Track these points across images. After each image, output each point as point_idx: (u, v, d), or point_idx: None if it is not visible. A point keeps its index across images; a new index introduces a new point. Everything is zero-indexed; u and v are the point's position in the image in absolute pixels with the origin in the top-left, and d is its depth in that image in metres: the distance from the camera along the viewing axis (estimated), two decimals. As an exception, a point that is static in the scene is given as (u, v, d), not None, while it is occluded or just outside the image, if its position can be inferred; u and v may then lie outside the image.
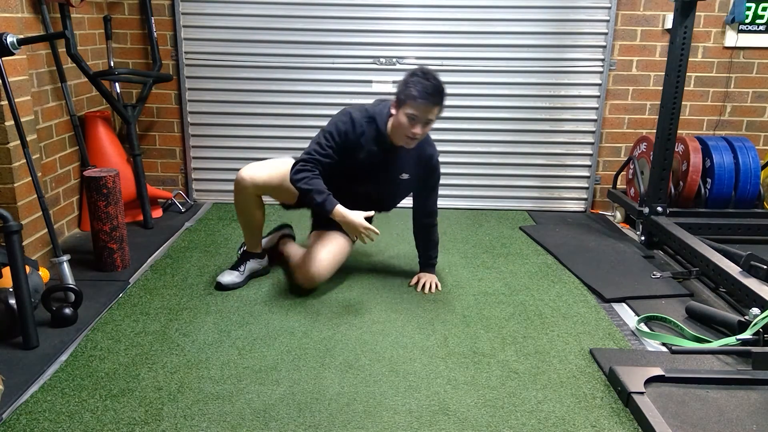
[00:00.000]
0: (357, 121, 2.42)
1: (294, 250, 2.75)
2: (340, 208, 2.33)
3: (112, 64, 3.56)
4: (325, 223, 2.61)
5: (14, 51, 2.29)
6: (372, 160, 2.45)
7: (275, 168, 2.53)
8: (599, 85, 3.65)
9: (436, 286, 2.67)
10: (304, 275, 2.53)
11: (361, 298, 2.55)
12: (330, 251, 2.56)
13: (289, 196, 2.57)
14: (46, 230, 2.68)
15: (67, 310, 2.25)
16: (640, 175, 3.43)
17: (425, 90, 2.25)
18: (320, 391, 1.89)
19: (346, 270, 2.83)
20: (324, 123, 2.49)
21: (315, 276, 2.51)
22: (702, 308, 2.38)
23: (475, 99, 3.69)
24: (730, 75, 3.66)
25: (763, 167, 3.45)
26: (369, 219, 2.49)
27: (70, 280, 2.44)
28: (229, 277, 2.60)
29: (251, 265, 2.68)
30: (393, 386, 1.93)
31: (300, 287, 2.62)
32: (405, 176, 2.53)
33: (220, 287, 2.58)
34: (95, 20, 3.44)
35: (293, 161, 2.43)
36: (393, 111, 2.37)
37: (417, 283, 2.68)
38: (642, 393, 1.82)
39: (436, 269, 2.80)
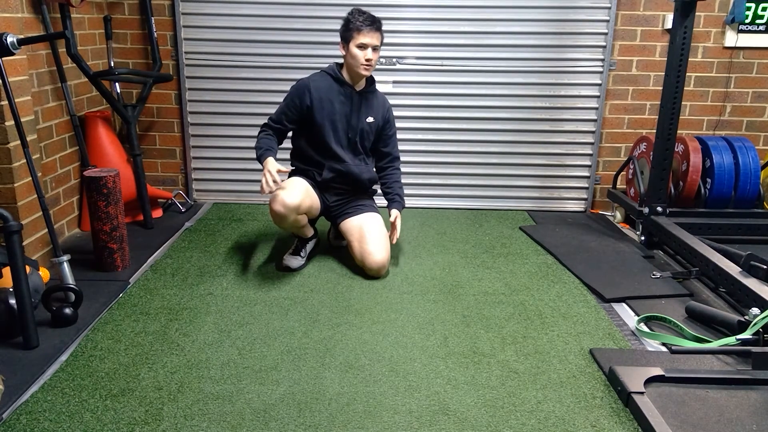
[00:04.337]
0: (307, 80, 2.76)
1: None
2: (268, 159, 2.66)
3: (112, 64, 3.56)
4: (344, 212, 2.91)
5: (14, 51, 2.29)
6: (344, 109, 2.77)
7: (298, 187, 2.71)
8: (599, 85, 3.65)
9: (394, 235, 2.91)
10: (369, 271, 2.76)
11: (361, 298, 2.55)
12: (375, 238, 2.77)
13: (315, 208, 2.84)
14: (46, 230, 2.69)
15: (67, 310, 2.25)
16: (640, 175, 3.43)
17: (365, 20, 2.64)
18: (320, 391, 1.89)
19: (346, 270, 2.84)
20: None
21: (380, 267, 2.74)
22: (702, 308, 2.38)
23: (475, 99, 3.69)
24: (730, 75, 3.66)
25: (762, 167, 3.45)
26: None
27: (70, 280, 2.44)
28: (296, 262, 2.85)
29: (309, 247, 2.95)
30: (393, 386, 1.93)
31: (301, 286, 2.64)
32: (371, 119, 2.85)
33: (289, 270, 2.82)
34: (95, 20, 3.45)
35: (303, 179, 2.78)
36: (343, 51, 2.72)
37: (396, 227, 2.90)
38: (642, 393, 1.82)
39: (435, 268, 2.81)
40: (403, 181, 3.05)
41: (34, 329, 2.09)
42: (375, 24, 2.65)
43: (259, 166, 3.72)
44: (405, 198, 3.01)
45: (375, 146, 2.96)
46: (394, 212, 2.92)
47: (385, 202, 2.98)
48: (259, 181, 3.78)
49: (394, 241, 2.90)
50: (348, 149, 2.84)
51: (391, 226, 2.90)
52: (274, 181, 2.56)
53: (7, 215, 2.07)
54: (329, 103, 2.74)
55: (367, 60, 2.65)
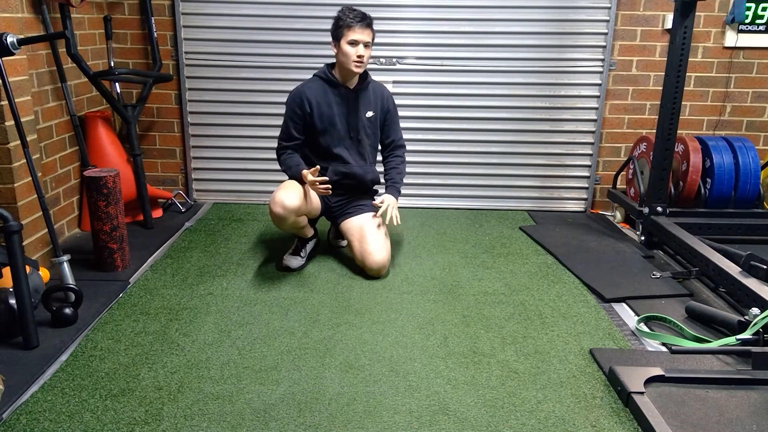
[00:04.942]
0: (301, 88, 2.76)
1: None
2: (303, 173, 2.65)
3: (112, 64, 3.56)
4: (345, 212, 2.91)
5: (14, 51, 2.29)
6: (341, 110, 2.78)
7: (298, 189, 2.68)
8: (599, 85, 3.65)
9: (397, 218, 2.80)
10: (370, 271, 2.75)
11: (361, 298, 2.55)
12: (376, 238, 2.76)
13: (315, 209, 2.85)
14: (46, 230, 2.69)
15: (67, 310, 2.25)
16: (640, 175, 3.43)
17: (355, 17, 2.63)
18: (320, 391, 1.89)
19: (346, 270, 2.84)
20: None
21: (380, 267, 2.74)
22: (702, 308, 2.38)
23: (475, 99, 3.69)
24: (730, 75, 3.66)
25: (762, 167, 3.45)
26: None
27: (70, 280, 2.44)
28: (295, 262, 2.85)
29: (309, 247, 2.94)
30: (393, 386, 1.93)
31: (301, 286, 2.64)
32: (370, 114, 2.85)
33: (289, 270, 2.82)
34: (95, 20, 3.45)
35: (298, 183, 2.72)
36: (334, 50, 2.73)
37: (380, 208, 2.79)
38: (642, 393, 1.82)
39: (435, 268, 2.80)
40: (405, 175, 3.00)
41: (34, 329, 2.09)
42: (365, 20, 2.65)
43: (260, 167, 3.79)
44: (406, 197, 2.99)
45: (384, 130, 2.95)
46: (380, 197, 2.82)
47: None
48: (262, 181, 3.87)
49: (388, 221, 2.76)
50: (352, 150, 2.84)
51: (381, 206, 2.78)
52: (321, 182, 2.59)
53: (7, 215, 2.07)
54: (327, 106, 2.75)
55: (358, 56, 2.65)
